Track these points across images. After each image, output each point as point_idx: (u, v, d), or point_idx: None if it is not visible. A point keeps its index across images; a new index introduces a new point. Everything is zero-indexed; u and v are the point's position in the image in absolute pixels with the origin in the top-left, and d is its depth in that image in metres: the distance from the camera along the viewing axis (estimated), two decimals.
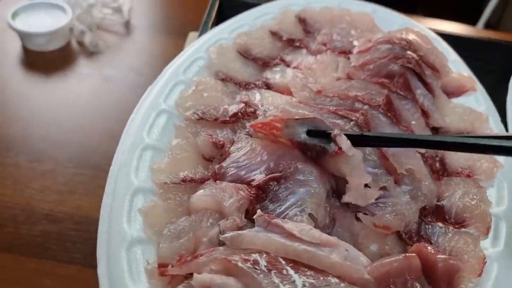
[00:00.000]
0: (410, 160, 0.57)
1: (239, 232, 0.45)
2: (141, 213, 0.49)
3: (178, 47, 1.01)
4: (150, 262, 0.46)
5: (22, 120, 0.88)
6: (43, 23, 0.99)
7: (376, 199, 0.52)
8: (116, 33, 1.08)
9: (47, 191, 0.79)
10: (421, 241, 0.52)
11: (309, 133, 0.53)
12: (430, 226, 0.54)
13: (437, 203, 0.56)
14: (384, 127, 0.58)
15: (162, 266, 0.45)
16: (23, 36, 0.99)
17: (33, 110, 0.91)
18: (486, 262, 0.50)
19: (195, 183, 0.52)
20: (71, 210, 0.76)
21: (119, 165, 0.53)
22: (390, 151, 0.56)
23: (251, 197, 0.49)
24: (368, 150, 0.55)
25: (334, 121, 0.55)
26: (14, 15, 0.98)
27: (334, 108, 0.57)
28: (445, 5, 1.73)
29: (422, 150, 0.59)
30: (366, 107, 0.59)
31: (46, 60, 1.00)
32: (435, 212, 0.55)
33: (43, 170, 0.82)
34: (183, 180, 0.52)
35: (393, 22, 0.81)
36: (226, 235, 0.45)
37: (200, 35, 0.74)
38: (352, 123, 0.55)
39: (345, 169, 0.50)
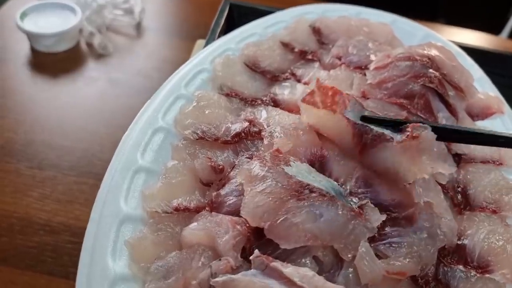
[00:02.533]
0: (429, 192, 0.50)
1: (232, 276, 0.39)
2: (128, 245, 0.43)
3: (189, 52, 0.95)
4: None
5: (26, 125, 0.83)
6: (52, 23, 0.94)
7: (390, 238, 0.46)
8: (126, 35, 1.03)
9: (46, 200, 0.74)
10: (439, 287, 0.45)
11: (364, 119, 0.49)
12: (449, 269, 0.47)
13: (458, 242, 0.49)
14: None
15: None
16: (31, 37, 0.94)
17: (38, 114, 0.86)
18: None
19: (189, 213, 0.46)
20: (69, 221, 0.72)
21: (107, 189, 0.47)
22: None
23: (249, 234, 0.43)
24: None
25: None
26: (23, 15, 0.93)
27: None
28: (467, 11, 1.63)
29: (443, 180, 0.52)
30: None
31: (53, 61, 0.95)
32: (456, 253, 0.48)
33: (43, 177, 0.77)
34: (177, 209, 0.46)
35: (414, 34, 0.73)
36: (217, 279, 0.39)
37: (206, 43, 0.68)
38: None
39: (408, 160, 0.46)
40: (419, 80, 0.57)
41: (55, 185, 0.75)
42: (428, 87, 0.57)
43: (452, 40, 0.74)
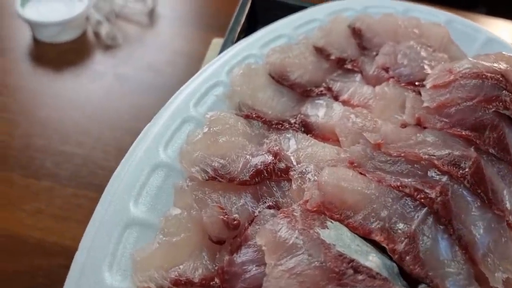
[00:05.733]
0: (508, 264, 0.36)
1: None
2: None
3: (206, 44, 0.81)
4: None
5: (23, 127, 0.72)
6: (56, 11, 0.81)
7: None
8: (137, 24, 0.89)
9: (39, 215, 0.64)
10: None
11: None
12: None
13: None
14: (472, 212, 0.37)
15: None
16: (33, 25, 0.81)
17: (37, 113, 0.74)
18: None
19: (194, 287, 0.34)
20: (65, 242, 0.62)
21: (87, 252, 0.34)
22: (481, 250, 0.36)
23: None
24: (449, 249, 0.35)
25: (397, 205, 0.35)
26: (24, 2, 0.81)
27: (399, 183, 0.36)
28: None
29: None
30: (445, 178, 0.38)
31: (56, 53, 0.82)
32: None
33: (38, 188, 0.66)
34: (176, 283, 0.33)
35: (474, 37, 0.58)
36: None
37: (223, 46, 0.54)
38: (424, 211, 0.35)
39: None
40: (491, 106, 0.43)
41: (51, 198, 0.65)
42: (503, 114, 0.43)
43: None
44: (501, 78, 0.45)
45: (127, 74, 0.81)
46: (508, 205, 0.39)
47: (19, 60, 0.80)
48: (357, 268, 0.32)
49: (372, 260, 0.33)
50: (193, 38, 0.88)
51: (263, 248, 0.33)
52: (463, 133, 0.42)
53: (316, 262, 0.31)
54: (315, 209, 0.36)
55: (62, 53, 0.82)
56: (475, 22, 0.61)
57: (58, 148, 0.70)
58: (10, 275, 0.57)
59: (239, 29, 0.57)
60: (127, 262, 0.34)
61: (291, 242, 0.33)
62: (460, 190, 0.38)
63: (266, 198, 0.39)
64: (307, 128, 0.45)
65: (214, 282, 0.34)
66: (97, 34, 0.84)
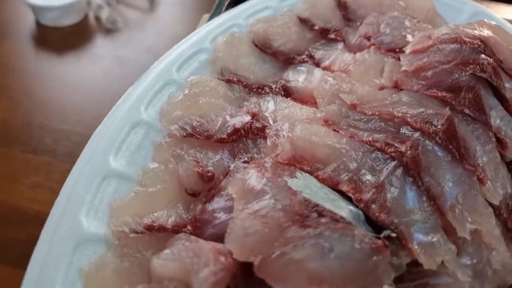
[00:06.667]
0: (478, 216, 0.37)
1: None
2: (82, 276, 0.33)
3: None
4: None
5: (24, 105, 0.74)
6: None
7: (422, 279, 0.33)
8: (137, 8, 0.91)
9: (38, 189, 0.66)
10: None
11: None
12: None
13: None
14: (442, 167, 0.38)
15: None
16: (35, 9, 0.83)
17: (38, 94, 0.76)
18: None
19: (166, 232, 0.35)
20: None
21: (66, 199, 0.36)
22: (449, 202, 0.36)
23: (235, 269, 0.31)
24: (417, 199, 0.36)
25: (367, 159, 0.36)
26: None
27: (371, 138, 0.37)
28: None
29: (496, 200, 0.39)
30: (417, 134, 0.39)
31: (58, 37, 0.85)
32: None
33: (37, 163, 0.68)
34: (149, 228, 0.35)
35: (460, 10, 0.59)
36: None
37: (210, 18, 0.55)
38: (394, 163, 0.36)
39: None
40: (468, 68, 0.43)
41: (49, 173, 0.67)
42: (480, 77, 0.43)
43: (508, 19, 0.59)
44: (480, 43, 0.45)
45: (127, 57, 0.83)
46: (479, 161, 0.40)
47: (22, 43, 0.83)
48: (321, 212, 0.33)
49: (337, 206, 0.34)
50: (192, 23, 0.90)
51: (233, 196, 0.35)
52: (439, 94, 0.43)
53: (280, 206, 0.33)
54: (286, 162, 0.37)
55: (63, 36, 0.84)
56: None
57: (57, 126, 0.72)
58: (10, 243, 0.60)
59: (226, 3, 0.59)
60: (105, 209, 0.36)
61: (258, 188, 0.34)
62: (431, 145, 0.38)
63: (242, 155, 0.40)
64: (287, 92, 0.47)
65: (186, 229, 0.36)
66: (98, 18, 0.87)
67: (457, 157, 0.39)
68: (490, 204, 0.39)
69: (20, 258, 0.56)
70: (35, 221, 0.62)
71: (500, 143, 0.43)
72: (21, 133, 0.71)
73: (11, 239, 0.60)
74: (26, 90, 0.77)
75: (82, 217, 0.35)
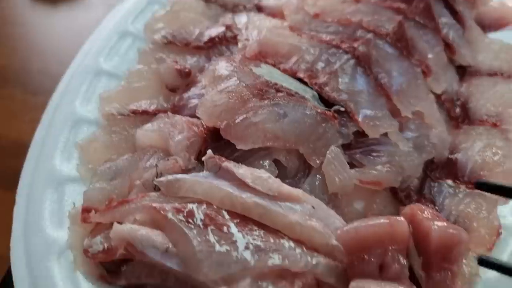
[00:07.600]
0: (420, 101, 0.43)
1: (178, 176, 0.34)
2: (78, 147, 0.39)
3: None
4: (77, 206, 0.36)
5: (23, 51, 0.80)
6: None
7: (368, 146, 0.39)
8: None
9: (36, 124, 0.72)
10: (421, 201, 0.38)
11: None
12: (436, 184, 0.40)
13: (450, 156, 0.42)
14: (390, 60, 0.43)
15: (86, 210, 0.34)
16: None
17: (35, 41, 0.82)
18: (501, 233, 0.36)
19: (148, 116, 0.41)
20: None
21: (63, 90, 0.42)
22: (394, 87, 0.42)
23: (206, 135, 0.37)
24: (366, 84, 0.41)
25: (324, 54, 0.42)
26: None
27: (328, 37, 0.43)
28: None
29: (438, 90, 0.44)
30: (370, 35, 0.44)
31: None
32: (445, 168, 0.41)
33: (35, 102, 0.73)
34: (134, 112, 0.41)
35: None
36: (161, 178, 0.34)
37: None
38: (347, 56, 0.41)
39: None
40: None
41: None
42: None
43: None
44: None
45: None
46: (425, 58, 0.45)
47: None
48: (279, 88, 0.39)
49: (295, 87, 0.40)
50: None
51: (205, 84, 0.41)
52: (393, 5, 0.48)
53: (244, 84, 0.38)
54: (253, 57, 0.43)
55: None
56: None
57: (54, 70, 0.77)
58: (14, 172, 0.66)
59: None
60: (96, 99, 0.42)
61: (226, 73, 0.40)
62: (382, 44, 0.44)
63: (217, 57, 0.46)
64: (259, 10, 0.52)
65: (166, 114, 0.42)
66: None
67: (405, 54, 0.45)
68: (437, 97, 0.45)
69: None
70: None
71: (449, 48, 0.49)
72: (20, 76, 0.76)
73: (16, 167, 0.66)
74: (23, 37, 0.82)
75: (77, 104, 0.41)
